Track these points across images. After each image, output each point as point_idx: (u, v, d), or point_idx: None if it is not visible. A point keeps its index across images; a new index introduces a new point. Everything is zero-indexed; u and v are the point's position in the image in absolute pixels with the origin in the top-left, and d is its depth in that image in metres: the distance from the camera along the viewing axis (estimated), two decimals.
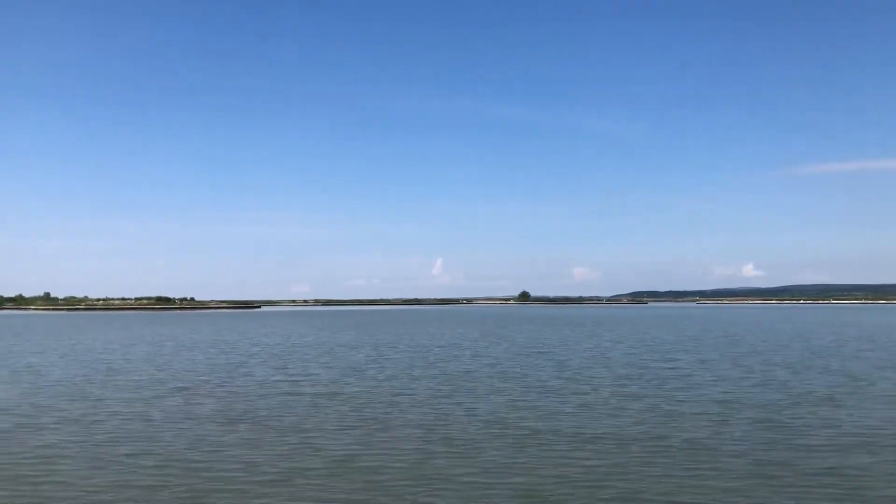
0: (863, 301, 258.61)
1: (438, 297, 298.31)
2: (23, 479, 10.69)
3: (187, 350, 36.31)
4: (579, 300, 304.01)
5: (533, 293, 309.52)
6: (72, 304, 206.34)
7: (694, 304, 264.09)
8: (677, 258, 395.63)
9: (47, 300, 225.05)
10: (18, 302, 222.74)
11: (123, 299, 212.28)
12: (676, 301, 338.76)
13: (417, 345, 39.15)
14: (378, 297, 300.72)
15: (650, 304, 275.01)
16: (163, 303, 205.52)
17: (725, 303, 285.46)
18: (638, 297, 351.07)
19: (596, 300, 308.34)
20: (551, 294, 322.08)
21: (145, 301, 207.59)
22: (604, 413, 16.12)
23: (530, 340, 43.05)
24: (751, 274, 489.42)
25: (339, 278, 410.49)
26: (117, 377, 23.96)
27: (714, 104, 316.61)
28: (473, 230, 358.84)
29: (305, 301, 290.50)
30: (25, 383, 22.36)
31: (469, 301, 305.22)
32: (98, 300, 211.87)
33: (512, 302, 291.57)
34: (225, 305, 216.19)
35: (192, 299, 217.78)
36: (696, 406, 16.96)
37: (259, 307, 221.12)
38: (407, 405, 17.33)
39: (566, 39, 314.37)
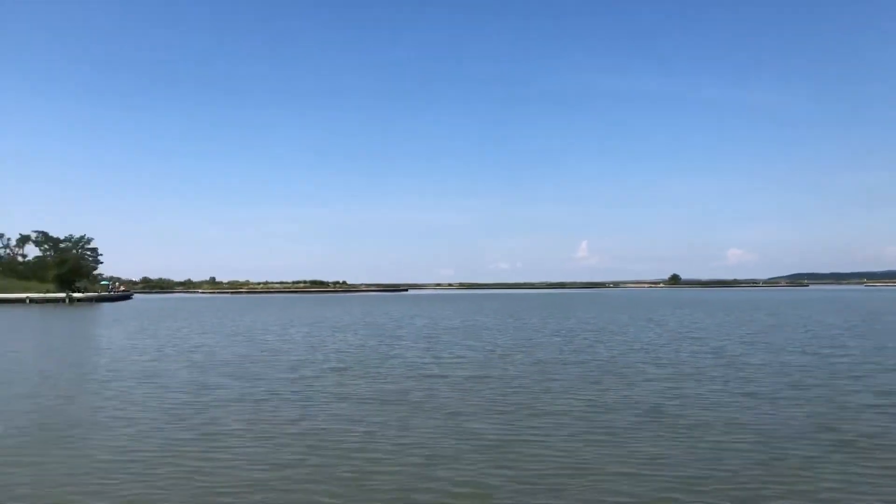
0: None
1: (584, 280, 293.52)
2: (187, 454, 10.90)
3: (340, 331, 37.36)
4: (733, 283, 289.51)
5: (684, 276, 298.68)
6: (235, 287, 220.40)
7: (861, 287, 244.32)
8: (842, 237, 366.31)
9: (213, 284, 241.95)
10: (187, 285, 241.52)
11: (282, 283, 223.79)
12: (840, 283, 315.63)
13: (565, 329, 38.18)
14: (522, 281, 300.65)
15: (811, 287, 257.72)
16: (317, 286, 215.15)
17: None
18: (797, 280, 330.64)
19: (752, 283, 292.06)
20: (703, 277, 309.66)
21: (301, 284, 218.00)
22: (765, 402, 14.88)
23: (683, 325, 40.97)
24: None
25: (483, 262, 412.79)
26: (275, 357, 24.76)
27: (877, 73, 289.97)
28: (621, 211, 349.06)
29: (450, 284, 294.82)
30: (193, 362, 23.44)
31: (616, 285, 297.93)
32: (258, 284, 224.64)
33: (662, 285, 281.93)
34: (374, 288, 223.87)
35: (344, 283, 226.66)
36: (870, 397, 15.22)
37: (406, 290, 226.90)
38: (557, 391, 16.69)
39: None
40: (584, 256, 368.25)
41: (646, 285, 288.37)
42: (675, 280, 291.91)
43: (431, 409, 14.44)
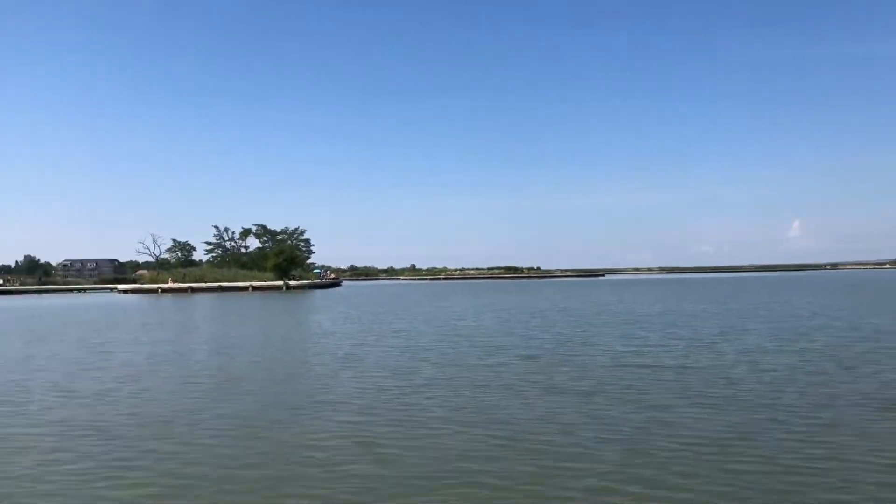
0: None
1: (795, 262, 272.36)
2: (372, 444, 11.01)
3: (533, 317, 37.05)
4: None
5: None
6: (433, 273, 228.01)
7: None
8: None
9: (413, 271, 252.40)
10: (390, 272, 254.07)
11: (477, 269, 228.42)
12: None
13: (777, 315, 35.20)
14: (726, 265, 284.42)
15: None
16: (511, 272, 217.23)
17: None
18: None
19: None
20: None
21: (496, 270, 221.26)
22: None
23: None
24: None
25: (684, 245, 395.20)
26: (468, 342, 24.94)
27: None
28: (839, 186, 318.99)
29: (649, 269, 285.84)
30: (393, 346, 24.16)
31: (834, 266, 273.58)
32: (455, 270, 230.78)
33: (888, 266, 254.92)
34: (569, 274, 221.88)
35: (539, 268, 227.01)
36: None
37: (602, 275, 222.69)
38: (767, 382, 15.16)
39: None
40: (796, 237, 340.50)
41: (868, 266, 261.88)
42: None
43: (632, 401, 13.68)
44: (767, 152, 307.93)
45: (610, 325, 31.51)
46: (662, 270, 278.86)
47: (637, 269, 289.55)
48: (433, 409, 13.35)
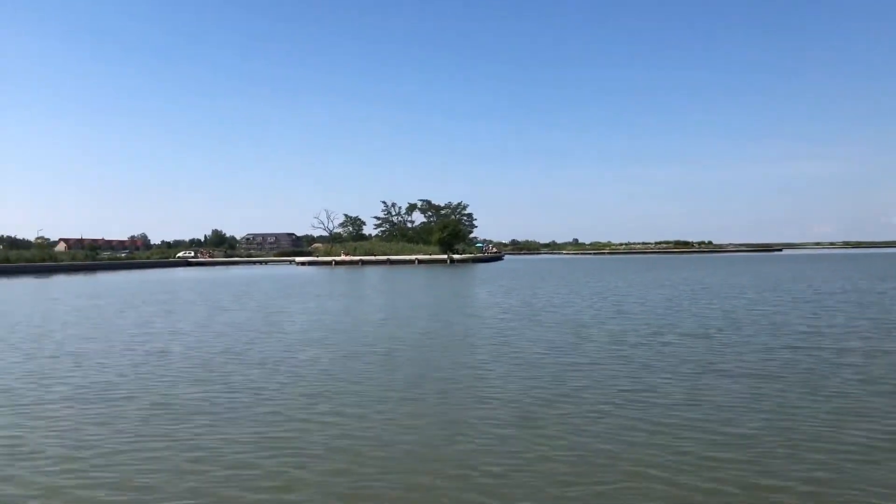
0: None
1: None
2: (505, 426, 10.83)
3: (702, 294, 35.24)
4: None
5: None
6: (597, 248, 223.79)
7: None
8: None
9: (576, 245, 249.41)
10: (552, 247, 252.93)
11: (643, 243, 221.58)
12: None
13: None
14: None
15: None
16: (681, 247, 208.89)
17: None
18: None
19: None
20: None
21: (664, 245, 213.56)
22: None
23: None
24: None
25: (871, 216, 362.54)
26: (622, 319, 24.12)
27: None
28: None
29: (831, 243, 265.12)
30: (554, 322, 23.84)
31: None
32: (620, 245, 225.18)
33: None
34: (743, 248, 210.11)
35: (710, 242, 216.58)
36: None
37: (780, 250, 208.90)
38: None
39: None
40: None
41: None
42: None
43: (816, 387, 12.59)
44: None
45: (787, 303, 29.38)
46: (847, 245, 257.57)
47: (818, 244, 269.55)
48: (589, 389, 13.00)
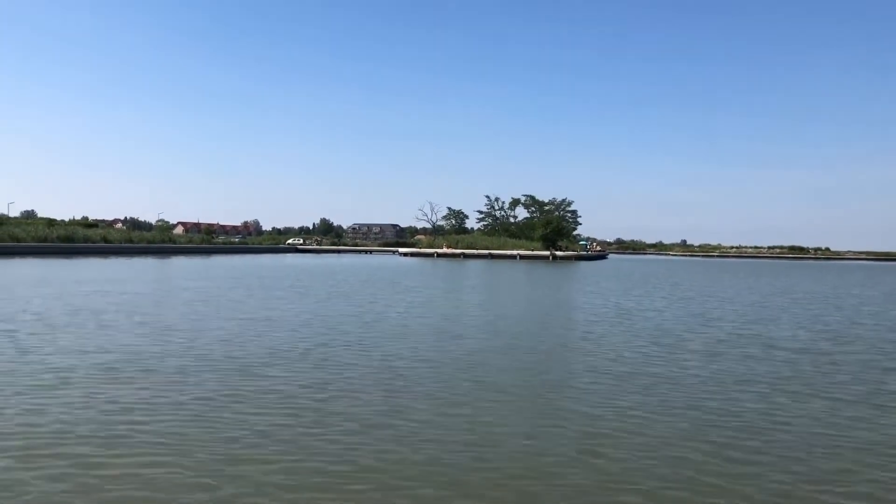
0: None
1: None
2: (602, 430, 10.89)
3: (805, 303, 33.77)
4: None
5: None
6: (706, 251, 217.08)
7: None
8: None
9: (684, 247, 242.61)
10: (658, 247, 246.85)
11: (755, 247, 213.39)
12: None
13: None
14: None
15: None
16: (795, 252, 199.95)
17: None
18: None
19: None
20: None
21: (777, 250, 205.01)
22: None
23: None
24: None
25: None
26: (707, 328, 23.44)
27: None
28: None
29: None
30: (607, 327, 23.54)
31: None
32: (731, 248, 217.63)
33: None
34: (863, 256, 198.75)
35: (827, 249, 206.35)
36: None
37: None
38: None
39: None
40: None
41: None
42: None
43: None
44: None
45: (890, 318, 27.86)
46: None
47: None
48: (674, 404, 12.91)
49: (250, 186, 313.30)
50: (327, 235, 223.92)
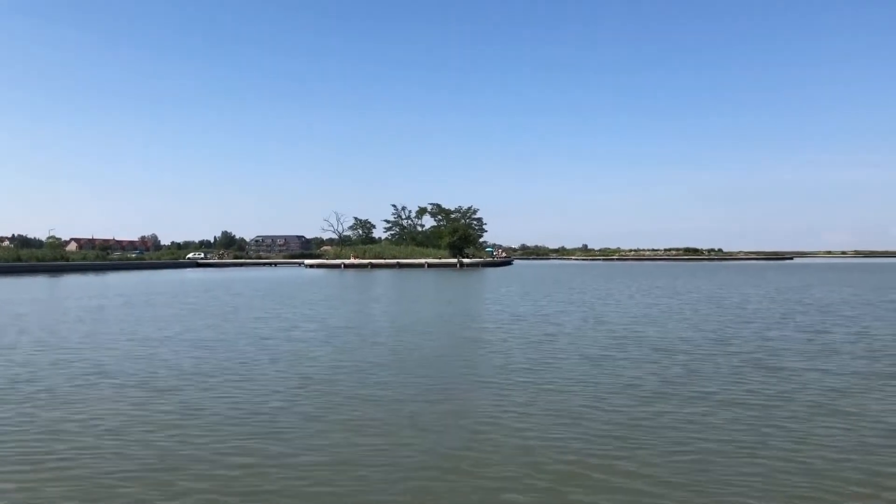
0: None
1: None
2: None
3: (710, 303, 34.93)
4: None
5: None
6: (606, 254, 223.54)
7: None
8: None
9: (585, 251, 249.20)
10: (561, 252, 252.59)
11: (653, 250, 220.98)
12: None
13: None
14: None
15: None
16: (690, 254, 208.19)
17: None
18: None
19: None
20: None
21: (673, 252, 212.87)
22: None
23: None
24: None
25: (885, 226, 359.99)
26: (639, 331, 23.86)
27: None
28: None
29: (843, 252, 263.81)
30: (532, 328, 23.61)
31: None
32: (629, 251, 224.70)
33: None
34: (753, 256, 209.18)
35: (720, 250, 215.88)
36: None
37: (791, 259, 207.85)
38: None
39: None
40: None
41: None
42: None
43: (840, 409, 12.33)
44: None
45: (794, 313, 29.10)
46: (858, 254, 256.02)
47: (829, 253, 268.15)
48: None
49: (147, 200, 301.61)
50: (229, 249, 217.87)
